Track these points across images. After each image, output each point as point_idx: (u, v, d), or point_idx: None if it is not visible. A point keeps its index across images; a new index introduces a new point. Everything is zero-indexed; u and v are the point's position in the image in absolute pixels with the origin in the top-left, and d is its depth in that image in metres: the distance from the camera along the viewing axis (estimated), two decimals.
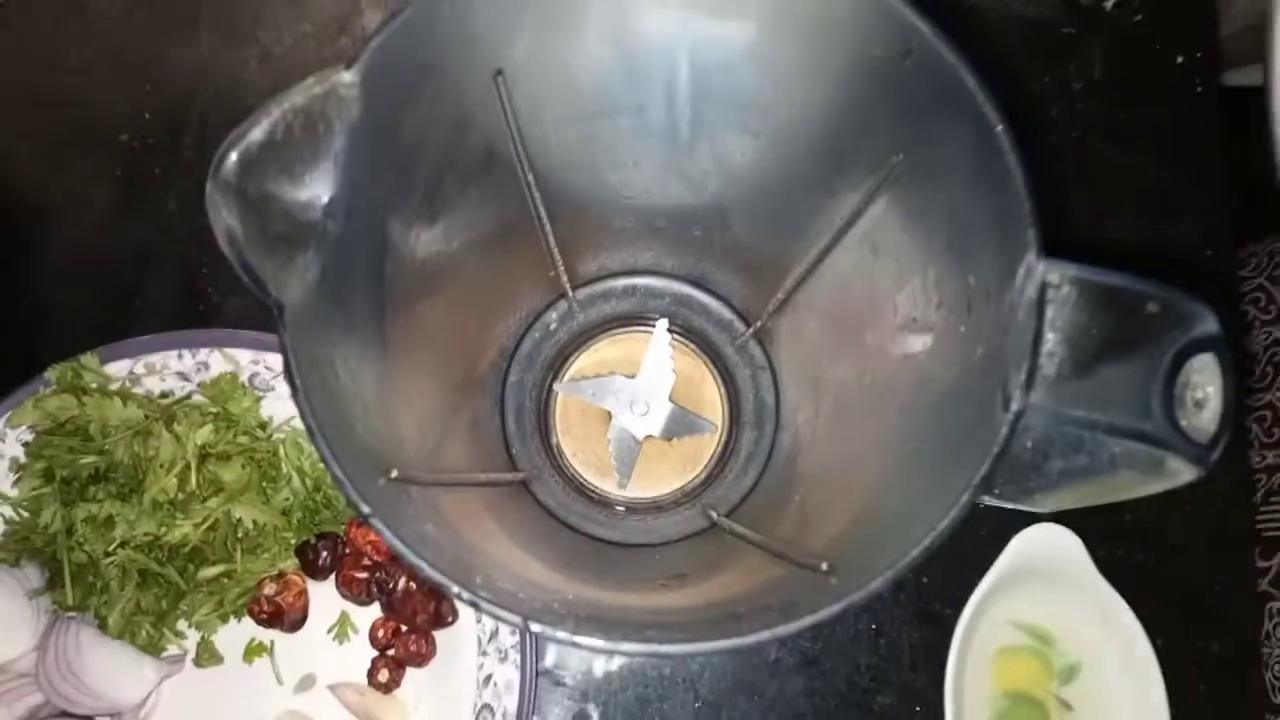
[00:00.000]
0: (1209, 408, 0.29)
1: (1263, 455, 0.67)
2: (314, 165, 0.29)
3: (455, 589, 0.26)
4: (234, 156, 0.28)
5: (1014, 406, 0.27)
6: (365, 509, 0.26)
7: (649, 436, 0.50)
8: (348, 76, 0.28)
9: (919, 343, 0.35)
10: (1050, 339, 0.28)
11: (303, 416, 0.27)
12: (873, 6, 0.29)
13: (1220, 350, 0.29)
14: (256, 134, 0.28)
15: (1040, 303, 0.27)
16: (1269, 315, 0.68)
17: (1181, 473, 0.29)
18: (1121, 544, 0.52)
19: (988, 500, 0.35)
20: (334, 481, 0.26)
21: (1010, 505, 0.36)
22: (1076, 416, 0.28)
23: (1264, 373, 0.68)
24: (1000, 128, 0.27)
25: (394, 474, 0.31)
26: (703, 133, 0.39)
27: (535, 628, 0.26)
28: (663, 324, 0.51)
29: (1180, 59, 0.59)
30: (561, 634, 0.27)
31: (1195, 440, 0.28)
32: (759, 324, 0.49)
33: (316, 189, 0.30)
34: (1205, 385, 0.29)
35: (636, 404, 0.50)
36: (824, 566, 0.32)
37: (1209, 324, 0.28)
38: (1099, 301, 0.27)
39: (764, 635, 0.26)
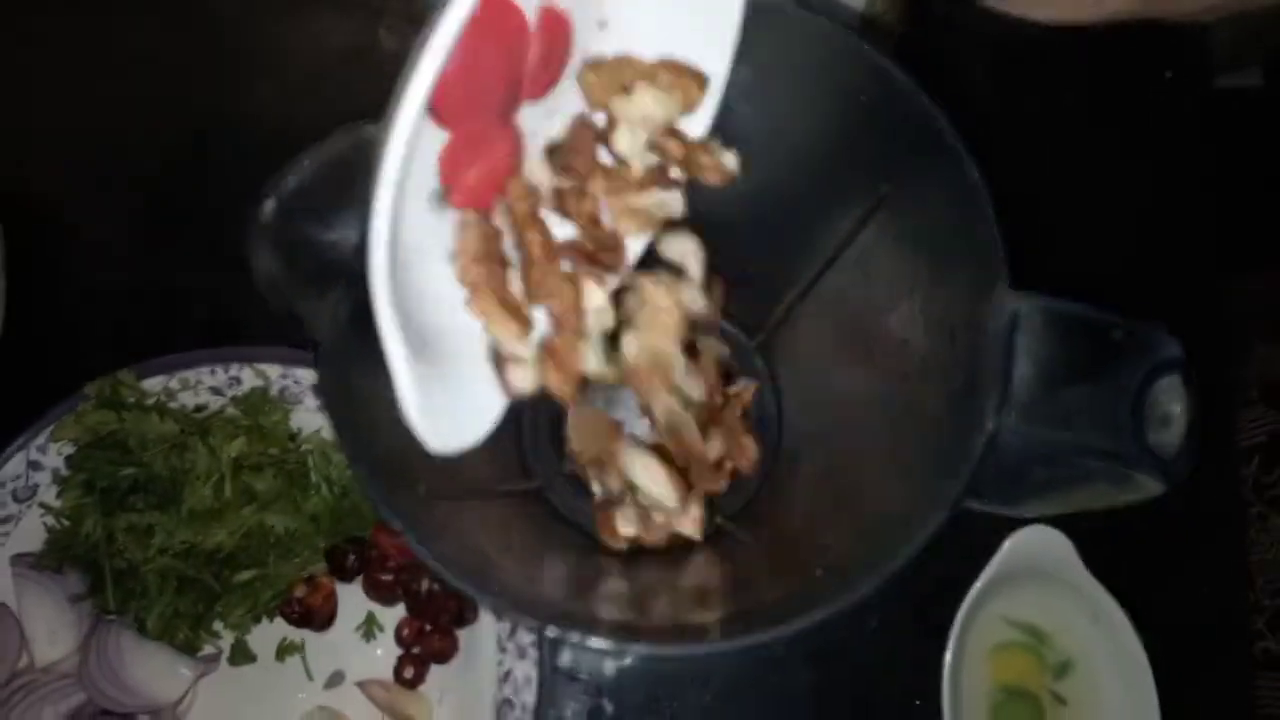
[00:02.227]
0: (1175, 425, 0.31)
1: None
2: (343, 209, 0.32)
3: (479, 596, 0.29)
4: (271, 204, 0.30)
5: (987, 429, 0.29)
6: (399, 526, 0.29)
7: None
8: (372, 129, 0.31)
9: (908, 363, 0.38)
10: (1023, 364, 0.30)
11: (340, 442, 0.29)
12: (857, 57, 0.31)
13: (1185, 372, 0.31)
14: (291, 183, 0.30)
15: (1011, 333, 0.29)
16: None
17: (1149, 486, 0.31)
18: (1110, 544, 0.53)
19: (977, 506, 0.37)
20: (370, 502, 0.28)
21: (998, 511, 0.38)
22: (1049, 438, 0.30)
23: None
24: (974, 175, 0.29)
25: (422, 490, 0.34)
26: None
27: (551, 632, 0.29)
28: None
29: (1169, 74, 0.61)
30: (575, 636, 0.29)
31: (1161, 456, 0.31)
32: (761, 337, 0.51)
33: (345, 230, 0.32)
34: (1171, 404, 0.31)
35: None
36: (818, 572, 0.34)
37: (1172, 348, 0.30)
38: (1067, 330, 0.30)
39: (759, 638, 0.29)
